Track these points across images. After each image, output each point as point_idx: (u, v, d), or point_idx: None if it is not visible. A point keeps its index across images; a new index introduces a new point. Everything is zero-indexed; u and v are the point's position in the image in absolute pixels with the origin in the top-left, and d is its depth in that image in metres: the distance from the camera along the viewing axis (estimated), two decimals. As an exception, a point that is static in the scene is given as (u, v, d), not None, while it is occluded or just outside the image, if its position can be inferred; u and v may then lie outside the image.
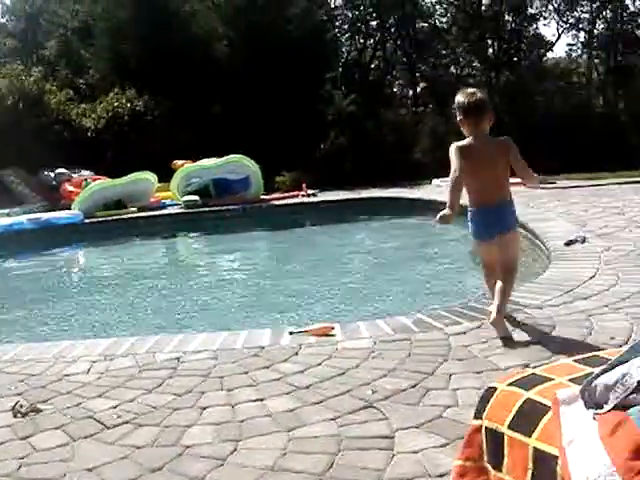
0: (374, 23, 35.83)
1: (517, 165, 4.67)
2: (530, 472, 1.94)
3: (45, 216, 14.01)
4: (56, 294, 9.06)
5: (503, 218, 4.81)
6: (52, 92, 22.35)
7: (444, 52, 37.25)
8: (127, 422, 3.59)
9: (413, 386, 3.74)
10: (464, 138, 4.75)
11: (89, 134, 21.16)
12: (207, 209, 14.71)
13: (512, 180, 4.80)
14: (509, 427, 2.07)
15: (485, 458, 2.17)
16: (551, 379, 2.17)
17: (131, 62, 23.21)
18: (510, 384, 2.21)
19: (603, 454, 1.77)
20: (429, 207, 13.01)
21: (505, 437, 2.06)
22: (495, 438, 2.11)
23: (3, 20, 43.53)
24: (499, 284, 4.65)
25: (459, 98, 4.70)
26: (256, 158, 15.95)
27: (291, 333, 4.80)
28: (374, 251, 10.85)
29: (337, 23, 34.22)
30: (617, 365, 1.94)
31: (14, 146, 18.48)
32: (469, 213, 4.84)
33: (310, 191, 16.20)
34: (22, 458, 3.27)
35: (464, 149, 4.69)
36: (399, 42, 36.25)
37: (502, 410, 2.12)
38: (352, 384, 3.82)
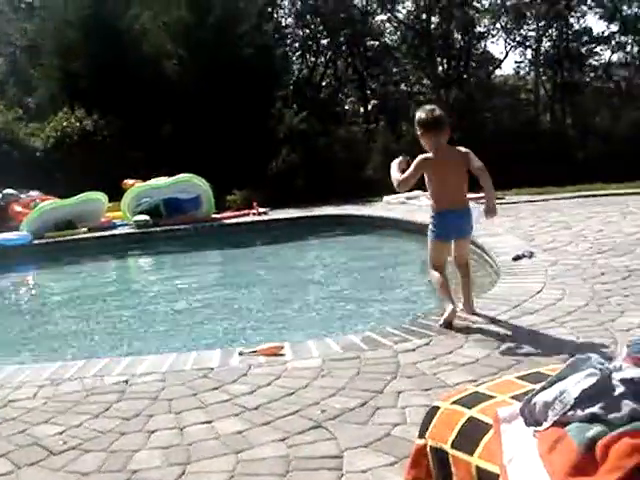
0: (325, 41, 36.05)
1: (476, 166, 5.37)
2: (477, 490, 1.96)
3: (-8, 237, 13.77)
4: (2, 317, 8.90)
5: (469, 220, 5.54)
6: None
7: (394, 70, 37.63)
8: (73, 448, 3.53)
9: (362, 405, 3.75)
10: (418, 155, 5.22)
11: (38, 154, 20.90)
12: (158, 229, 14.59)
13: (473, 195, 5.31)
14: (452, 446, 2.08)
15: (433, 478, 2.18)
16: (493, 397, 2.19)
17: (81, 81, 22.99)
18: (453, 402, 2.22)
19: (542, 471, 1.79)
20: (377, 224, 13.15)
21: (450, 456, 2.07)
22: (440, 457, 2.12)
23: (-51, 38, 42.91)
24: (465, 279, 5.60)
25: (420, 115, 5.23)
26: (207, 177, 15.89)
27: (241, 354, 4.78)
28: (325, 269, 10.87)
29: (288, 41, 34.36)
30: (556, 382, 1.96)
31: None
32: (436, 217, 5.38)
33: (261, 209, 16.17)
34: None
35: (431, 160, 5.27)
36: (350, 60, 36.52)
37: (445, 429, 2.14)
38: (301, 404, 3.81)
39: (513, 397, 2.15)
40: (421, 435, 2.26)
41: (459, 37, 36.17)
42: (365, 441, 3.31)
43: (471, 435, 2.04)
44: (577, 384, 1.88)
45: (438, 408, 2.24)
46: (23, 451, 3.55)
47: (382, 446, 3.25)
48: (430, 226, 5.45)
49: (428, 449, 2.20)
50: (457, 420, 2.11)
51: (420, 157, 5.27)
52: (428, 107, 5.35)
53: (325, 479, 2.99)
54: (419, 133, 5.29)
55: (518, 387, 2.24)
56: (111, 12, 23.27)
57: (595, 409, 1.81)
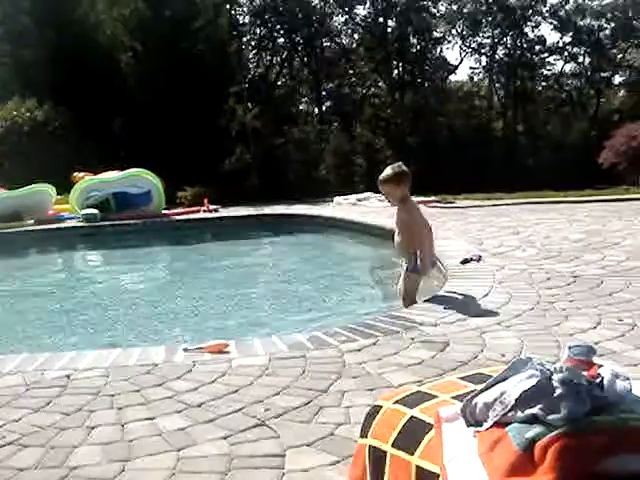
0: (281, 40, 36.04)
1: None
2: (414, 491, 1.96)
3: (-64, 228, 13.50)
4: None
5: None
6: (-54, 99, 21.66)
7: (350, 71, 37.75)
8: (11, 443, 3.45)
9: (306, 404, 3.73)
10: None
11: (-15, 144, 20.56)
12: (107, 223, 14.44)
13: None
14: (393, 445, 2.07)
15: (368, 477, 2.17)
16: (435, 396, 2.19)
17: (32, 70, 22.66)
18: (395, 402, 2.22)
19: (481, 471, 1.79)
20: (328, 224, 13.18)
21: (387, 455, 2.07)
22: (377, 456, 2.12)
23: None
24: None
25: (395, 170, 6.17)
26: (159, 172, 15.78)
27: (185, 350, 4.73)
28: (274, 267, 10.87)
29: (244, 39, 34.25)
30: (497, 383, 1.97)
31: None
32: (420, 255, 6.05)
33: (212, 207, 16.10)
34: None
35: (417, 208, 6.40)
36: (306, 60, 36.55)
37: (387, 428, 2.13)
38: (245, 402, 3.78)
39: (455, 397, 2.15)
40: (363, 434, 2.26)
41: (415, 42, 36.43)
42: (308, 440, 3.29)
43: (412, 435, 2.04)
44: (517, 385, 1.89)
45: (380, 407, 2.24)
46: (-42, 445, 3.46)
47: (325, 445, 3.24)
48: (409, 264, 6.16)
49: (367, 448, 2.20)
50: (399, 419, 2.11)
51: (409, 209, 6.28)
52: (397, 164, 6.30)
53: (266, 478, 2.96)
54: (393, 185, 6.16)
55: (460, 387, 2.25)
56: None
57: (535, 410, 1.82)
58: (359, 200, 15.73)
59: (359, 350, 4.63)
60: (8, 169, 18.72)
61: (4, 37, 24.32)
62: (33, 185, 15.23)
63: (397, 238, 6.19)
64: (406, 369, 4.23)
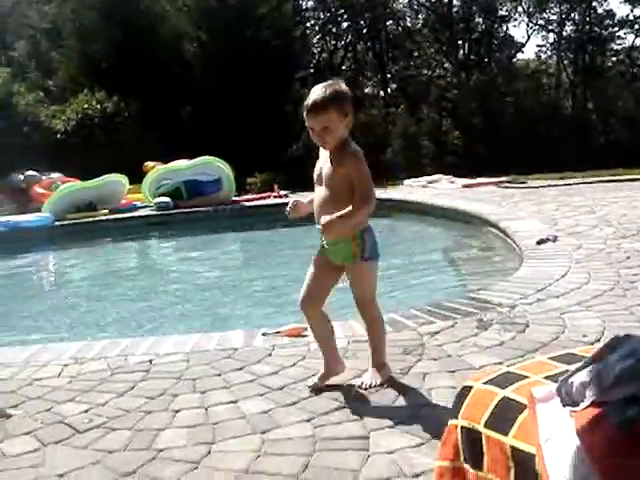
0: (345, 24, 35.90)
1: None
2: (512, 470, 1.93)
3: (15, 219, 13.84)
4: (26, 298, 8.96)
5: None
6: (21, 94, 22.15)
7: (415, 54, 37.42)
8: (98, 426, 3.53)
9: (388, 386, 3.72)
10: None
11: (59, 136, 21.00)
12: (179, 211, 14.62)
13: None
14: (485, 426, 2.05)
15: (461, 458, 2.15)
16: (526, 377, 2.16)
17: (101, 63, 23.07)
18: (485, 382, 2.19)
19: (579, 451, 1.76)
20: (401, 207, 13.09)
21: (482, 436, 2.04)
22: (472, 437, 2.10)
23: (-30, 21, 43.14)
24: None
25: (337, 88, 3.55)
26: (227, 159, 15.89)
27: (264, 334, 4.77)
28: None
29: (308, 24, 34.24)
30: (593, 362, 1.93)
31: (-18, 148, 18.31)
32: (370, 231, 3.81)
33: (282, 192, 16.15)
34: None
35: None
36: (370, 44, 36.37)
37: (478, 409, 2.11)
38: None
39: (546, 377, 2.11)
40: (453, 415, 2.24)
41: (481, 21, 35.92)
42: (391, 422, 3.28)
43: (505, 415, 2.01)
44: (616, 364, 1.85)
45: (470, 388, 2.21)
46: (49, 429, 3.55)
47: (409, 427, 3.22)
48: (368, 244, 3.74)
49: (459, 429, 2.18)
50: (490, 400, 2.09)
51: (359, 149, 3.68)
52: (330, 82, 3.61)
53: (351, 460, 2.97)
54: (337, 112, 3.53)
55: (551, 367, 2.20)
56: (130, -7, 23.22)
57: (634, 389, 1.78)
58: (429, 182, 15.61)
59: (437, 332, 4.60)
60: (81, 160, 19.09)
61: (73, 33, 24.79)
62: (106, 175, 15.49)
63: (330, 205, 3.60)
64: (486, 351, 4.19)
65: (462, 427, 2.16)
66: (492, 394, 2.11)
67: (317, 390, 3.74)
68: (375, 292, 3.86)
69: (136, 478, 2.98)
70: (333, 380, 3.84)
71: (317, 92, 3.51)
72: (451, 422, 2.24)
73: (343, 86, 3.60)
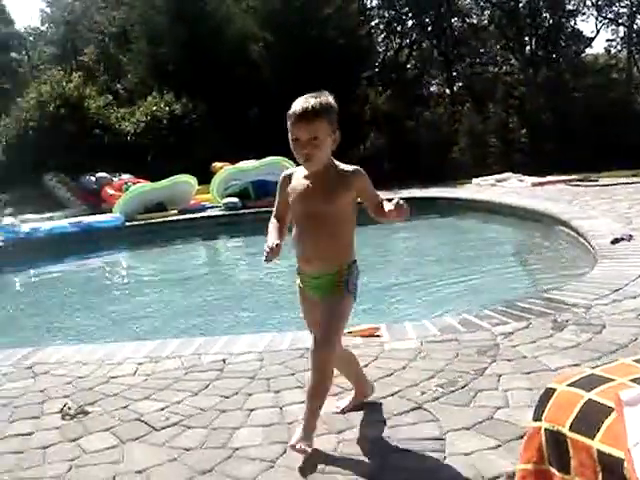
0: (410, 22, 35.71)
1: None
2: (600, 475, 1.89)
3: (86, 220, 14.13)
4: (99, 297, 9.13)
5: None
6: (92, 97, 22.60)
7: (481, 50, 37.01)
8: (175, 424, 3.58)
9: (462, 387, 3.69)
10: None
11: (129, 138, 21.37)
12: (247, 211, 14.74)
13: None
14: (571, 429, 2.01)
15: (546, 461, 2.12)
16: (611, 379, 2.11)
17: (168, 66, 23.38)
18: (569, 385, 2.15)
19: (671, 456, 1.72)
20: (469, 206, 12.97)
21: (567, 439, 2.01)
22: (557, 440, 2.06)
23: (43, 28, 44.25)
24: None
25: (328, 99, 3.16)
26: (294, 159, 15.93)
27: (337, 334, 4.76)
28: (417, 250, 10.77)
29: (373, 23, 34.14)
30: (683, 364, 1.88)
31: (56, 151, 18.73)
32: (355, 267, 3.40)
33: (350, 192, 16.15)
34: (72, 460, 3.28)
35: None
36: (435, 41, 36.09)
37: (562, 411, 2.07)
38: (400, 385, 3.78)
39: (633, 380, 2.07)
40: (536, 418, 2.20)
41: (548, 15, 35.32)
42: (467, 423, 3.25)
43: (591, 418, 1.97)
44: None
45: (554, 390, 2.17)
46: (126, 426, 3.62)
47: (485, 429, 3.19)
48: (354, 276, 3.35)
49: (543, 432, 2.14)
50: (575, 402, 2.05)
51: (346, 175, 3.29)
52: (316, 93, 3.16)
53: (428, 461, 2.95)
54: (327, 125, 3.13)
55: (637, 370, 2.16)
56: (196, -4, 23.47)
57: None
58: (498, 181, 15.43)
59: (512, 333, 4.54)
60: (151, 162, 19.40)
61: (141, 36, 25.19)
62: (175, 176, 15.71)
63: (331, 240, 3.24)
64: (562, 352, 4.12)
65: (546, 429, 2.12)
66: (577, 396, 2.07)
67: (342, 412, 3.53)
68: (342, 328, 3.32)
69: (213, 476, 3.01)
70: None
71: (306, 101, 3.09)
72: (533, 424, 2.21)
73: (332, 99, 3.17)
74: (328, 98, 3.14)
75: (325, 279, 3.25)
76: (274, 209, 3.39)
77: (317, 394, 3.14)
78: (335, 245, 3.25)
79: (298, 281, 3.39)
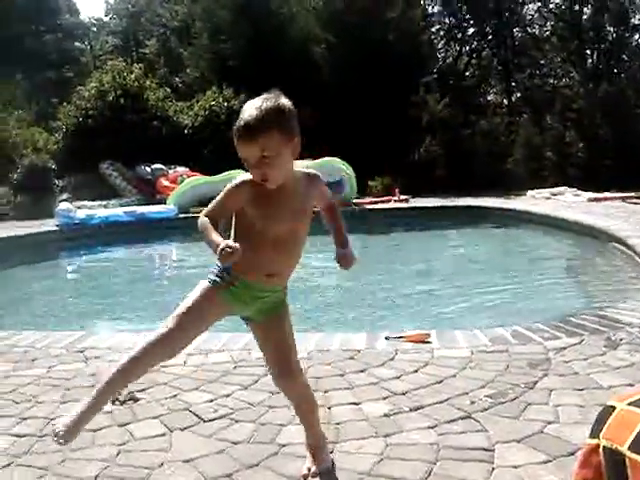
0: (471, 30, 35.47)
1: None
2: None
3: (141, 209, 14.32)
4: (149, 285, 9.24)
5: None
6: (151, 89, 22.86)
7: (541, 62, 36.61)
8: (223, 417, 3.61)
9: (513, 399, 3.65)
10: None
11: (186, 131, 21.57)
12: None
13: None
14: (630, 449, 1.98)
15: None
16: (674, 401, 2.07)
17: (229, 61, 23.55)
18: (630, 404, 2.11)
19: None
20: (522, 217, 12.85)
21: (626, 459, 1.97)
22: (615, 459, 2.03)
23: (106, 19, 44.97)
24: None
25: (281, 104, 2.63)
26: (349, 161, 15.95)
27: (387, 338, 4.76)
28: (467, 259, 10.71)
29: (434, 29, 33.99)
30: None
31: (114, 139, 18.99)
32: None
33: (402, 196, 16.11)
34: (121, 445, 3.33)
35: None
36: (495, 50, 35.79)
37: (622, 430, 2.04)
38: (449, 393, 3.76)
39: (696, 403, 2.03)
40: (593, 435, 2.17)
41: (611, 29, 34.81)
42: (517, 436, 3.21)
43: (652, 439, 1.94)
44: None
45: (614, 408, 2.14)
46: (175, 415, 3.66)
47: (535, 443, 3.15)
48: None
49: (601, 450, 2.11)
50: (636, 422, 2.01)
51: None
52: (267, 96, 2.65)
53: (475, 471, 2.92)
54: (284, 136, 2.61)
55: (699, 394, 2.11)
56: (260, -6, 23.59)
57: None
58: (553, 194, 15.28)
59: (564, 348, 4.48)
60: (206, 155, 19.56)
61: (204, 31, 25.42)
62: (230, 171, 15.78)
63: (300, 249, 2.93)
64: (615, 371, 4.05)
65: (604, 447, 2.09)
66: (637, 416, 2.04)
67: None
68: None
69: (259, 471, 3.02)
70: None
71: (250, 110, 2.56)
72: (590, 441, 2.18)
73: (285, 100, 2.66)
74: (277, 101, 2.61)
75: (280, 293, 2.93)
76: (210, 207, 2.72)
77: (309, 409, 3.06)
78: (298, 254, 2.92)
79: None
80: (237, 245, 2.51)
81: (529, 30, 36.53)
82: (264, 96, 2.61)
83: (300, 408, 3.10)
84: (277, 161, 2.57)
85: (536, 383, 3.88)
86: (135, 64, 24.51)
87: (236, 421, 3.56)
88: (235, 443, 3.30)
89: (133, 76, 22.44)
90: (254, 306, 2.84)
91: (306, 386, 3.08)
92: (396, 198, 16.01)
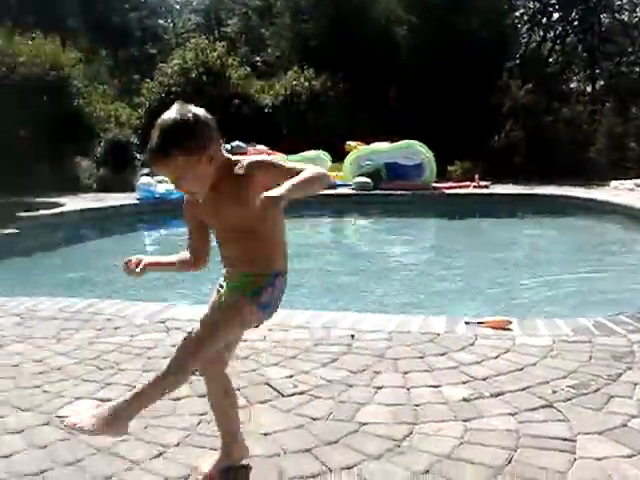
0: (556, 15, 34.73)
1: None
2: None
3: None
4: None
5: None
6: (233, 67, 23.04)
7: (629, 49, 35.64)
8: (302, 393, 3.65)
9: (595, 390, 3.60)
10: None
11: (266, 110, 21.71)
12: (377, 192, 14.74)
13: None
14: None
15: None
16: None
17: (311, 42, 23.56)
18: None
19: None
20: (604, 209, 12.56)
21: None
22: None
23: (189, -3, 45.42)
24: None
25: (186, 116, 2.50)
26: (429, 144, 15.84)
27: (467, 323, 4.74)
28: (546, 249, 10.55)
29: (517, 13, 33.37)
30: None
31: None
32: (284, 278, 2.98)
33: (482, 182, 15.91)
34: (202, 415, 3.40)
35: None
36: (581, 36, 34.95)
37: None
38: (530, 381, 3.72)
39: None
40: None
41: None
42: (600, 428, 3.17)
43: None
44: None
45: None
46: (254, 389, 3.71)
47: (618, 436, 3.10)
48: (270, 292, 2.86)
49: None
50: None
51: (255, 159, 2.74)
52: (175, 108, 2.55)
53: (557, 461, 2.89)
54: (191, 157, 2.48)
55: None
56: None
57: None
58: (637, 185, 14.90)
59: (649, 342, 4.39)
60: (286, 134, 19.65)
61: (286, 10, 25.47)
62: (308, 152, 15.87)
63: (254, 244, 2.78)
64: (700, 369, 3.95)
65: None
66: None
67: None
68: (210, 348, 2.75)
69: (338, 449, 3.04)
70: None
71: (154, 133, 2.49)
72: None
73: (191, 114, 2.50)
74: (181, 119, 2.49)
75: (244, 280, 2.85)
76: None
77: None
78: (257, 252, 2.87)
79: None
80: (144, 260, 2.76)
81: (617, 16, 35.57)
82: (168, 113, 2.52)
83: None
84: (191, 177, 2.53)
85: (620, 376, 3.81)
86: (217, 42, 24.71)
87: (315, 397, 3.59)
88: (314, 419, 3.34)
89: (216, 54, 22.64)
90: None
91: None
92: (475, 184, 15.82)
